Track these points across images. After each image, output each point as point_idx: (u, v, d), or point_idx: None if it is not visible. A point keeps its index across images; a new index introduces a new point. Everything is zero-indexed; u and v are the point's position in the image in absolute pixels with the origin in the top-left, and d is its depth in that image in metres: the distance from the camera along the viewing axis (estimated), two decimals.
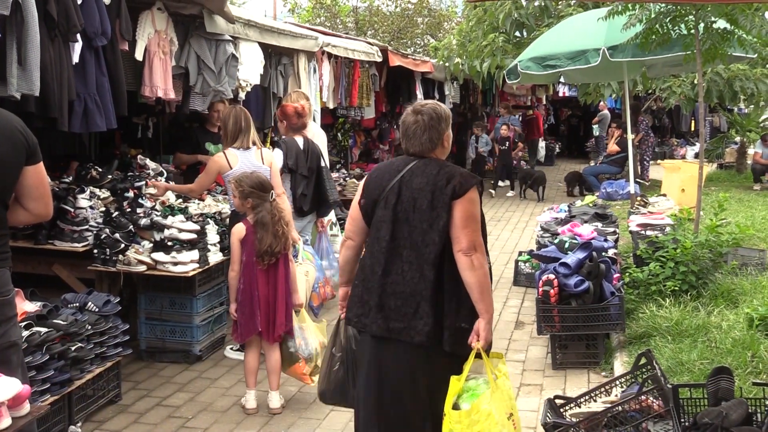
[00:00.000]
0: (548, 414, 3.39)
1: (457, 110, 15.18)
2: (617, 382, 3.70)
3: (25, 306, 3.88)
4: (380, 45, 10.32)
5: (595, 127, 18.48)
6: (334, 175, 8.46)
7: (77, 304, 4.33)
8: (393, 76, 11.46)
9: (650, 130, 15.62)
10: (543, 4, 12.75)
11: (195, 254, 5.08)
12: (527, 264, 7.52)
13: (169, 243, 5.03)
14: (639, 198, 8.76)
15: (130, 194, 5.51)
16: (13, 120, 2.86)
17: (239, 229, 4.41)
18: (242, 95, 6.37)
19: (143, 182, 5.69)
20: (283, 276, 4.46)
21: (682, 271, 5.80)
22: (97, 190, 5.42)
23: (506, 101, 17.10)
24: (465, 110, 16.73)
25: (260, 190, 4.41)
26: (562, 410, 3.50)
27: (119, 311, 4.51)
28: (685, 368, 4.47)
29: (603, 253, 5.59)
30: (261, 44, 6.51)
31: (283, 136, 5.83)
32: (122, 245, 5.01)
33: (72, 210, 5.03)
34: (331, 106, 8.80)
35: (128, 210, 5.30)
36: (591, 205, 8.19)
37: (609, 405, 3.34)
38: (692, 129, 20.68)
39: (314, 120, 7.06)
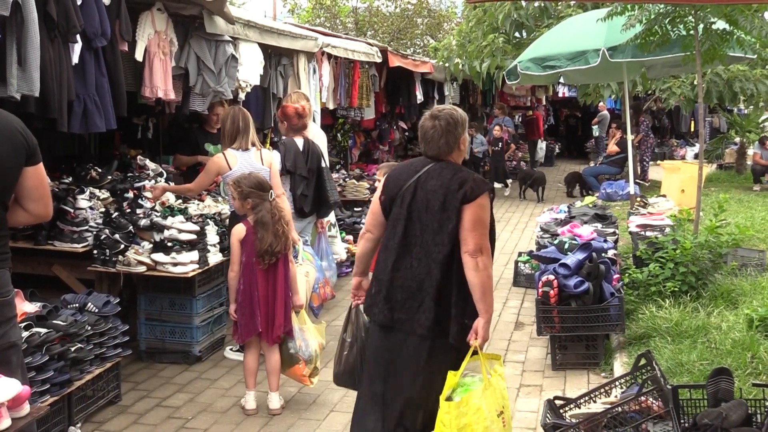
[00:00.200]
0: (548, 415, 3.39)
1: None
2: (617, 383, 3.71)
3: (25, 307, 3.88)
4: (380, 45, 10.29)
5: (594, 127, 18.47)
6: (334, 175, 8.44)
7: (77, 305, 4.33)
8: (393, 77, 11.45)
9: (650, 130, 15.62)
10: (542, 4, 12.75)
11: (195, 255, 5.08)
12: (527, 265, 7.53)
13: (169, 244, 5.03)
14: (639, 199, 8.75)
15: (130, 195, 5.51)
16: (13, 121, 2.85)
17: (239, 230, 4.40)
18: (242, 96, 6.36)
19: (143, 183, 5.69)
20: (283, 276, 4.46)
21: (682, 271, 5.80)
22: (96, 191, 5.43)
23: (506, 102, 17.05)
24: (465, 111, 16.65)
25: (259, 189, 4.41)
26: (561, 411, 3.50)
27: (119, 312, 4.51)
28: (685, 369, 4.47)
29: (603, 254, 5.59)
30: (261, 45, 6.50)
31: (284, 137, 5.82)
32: (122, 246, 5.01)
33: (72, 211, 5.04)
34: (330, 106, 8.79)
35: (128, 211, 5.31)
36: (591, 205, 8.20)
37: (609, 406, 3.35)
38: (692, 130, 20.67)
39: (314, 121, 7.06)
